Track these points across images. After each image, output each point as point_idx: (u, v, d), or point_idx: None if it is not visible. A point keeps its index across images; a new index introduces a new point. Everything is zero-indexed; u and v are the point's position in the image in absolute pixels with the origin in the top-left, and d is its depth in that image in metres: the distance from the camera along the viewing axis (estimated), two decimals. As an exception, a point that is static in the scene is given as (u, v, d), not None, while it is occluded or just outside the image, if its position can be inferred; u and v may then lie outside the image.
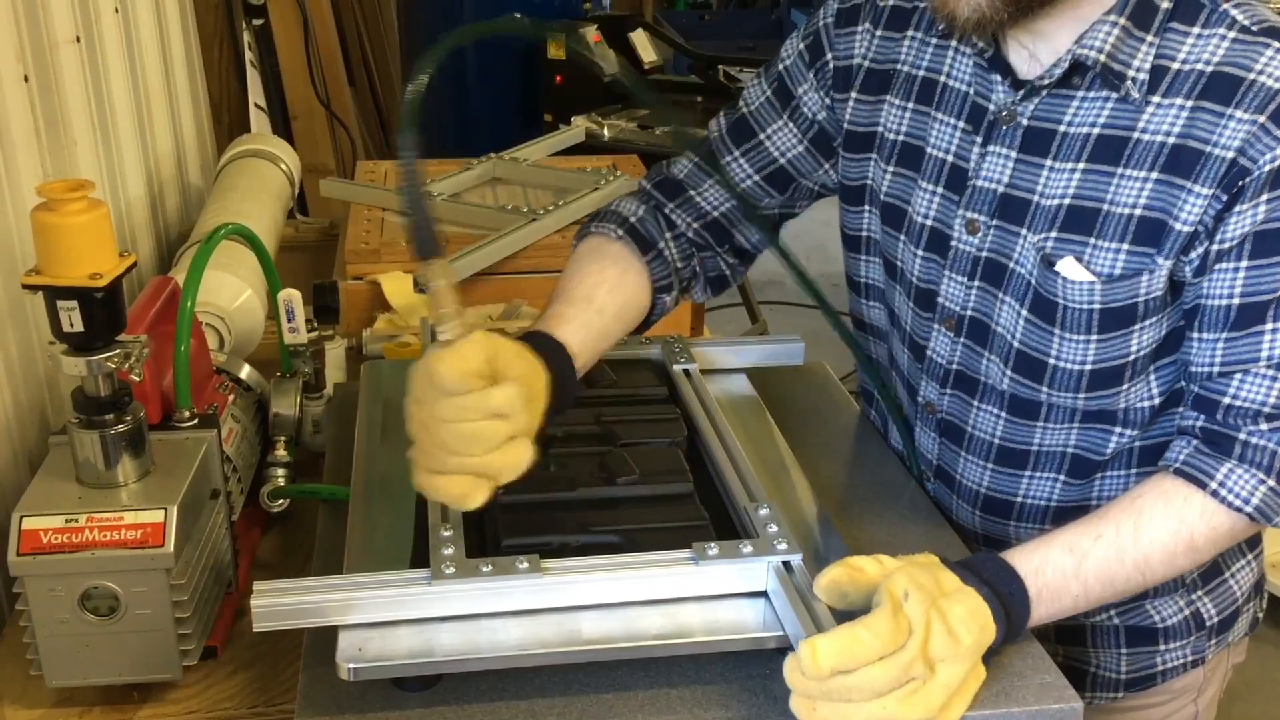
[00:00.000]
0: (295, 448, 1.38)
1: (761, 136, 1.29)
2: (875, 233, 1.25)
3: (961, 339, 1.18)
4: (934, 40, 1.17)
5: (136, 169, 2.05)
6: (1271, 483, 1.02)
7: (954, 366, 1.20)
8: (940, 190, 1.16)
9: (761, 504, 1.06)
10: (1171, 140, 1.03)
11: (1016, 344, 1.13)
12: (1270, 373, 1.01)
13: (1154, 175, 1.03)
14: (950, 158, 1.15)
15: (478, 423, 0.93)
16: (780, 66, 1.29)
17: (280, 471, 1.34)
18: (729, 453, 1.15)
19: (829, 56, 1.25)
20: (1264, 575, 1.32)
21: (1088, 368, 1.10)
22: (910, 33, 1.20)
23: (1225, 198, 1.01)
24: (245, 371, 1.38)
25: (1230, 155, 1.00)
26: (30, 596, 1.03)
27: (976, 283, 1.15)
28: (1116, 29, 1.04)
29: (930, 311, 1.20)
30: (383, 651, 0.92)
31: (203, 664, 1.13)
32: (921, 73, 1.18)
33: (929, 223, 1.18)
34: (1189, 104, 1.02)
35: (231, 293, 1.61)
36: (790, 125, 1.28)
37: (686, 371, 1.32)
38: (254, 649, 1.16)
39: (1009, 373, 1.15)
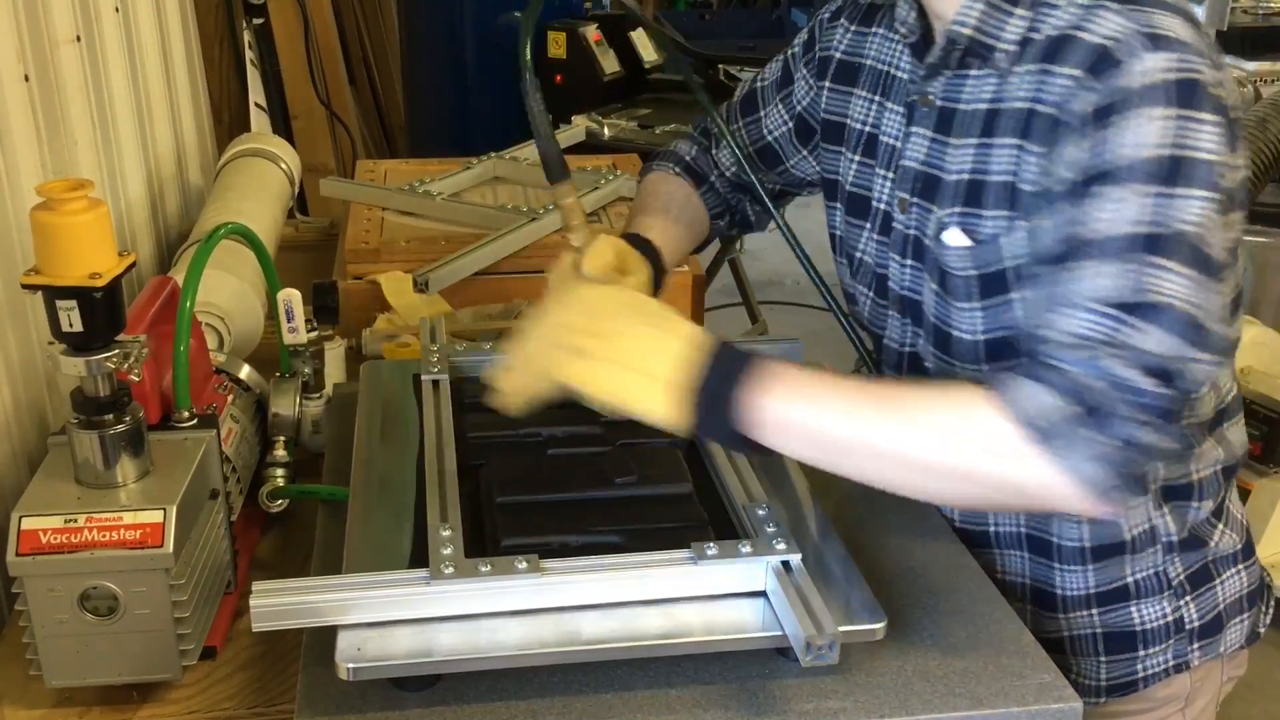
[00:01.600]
0: (294, 448, 1.38)
1: (760, 113, 1.41)
2: (839, 228, 1.30)
3: (906, 320, 1.23)
4: (894, 36, 1.22)
5: (136, 169, 2.05)
6: (1061, 404, 0.93)
7: (905, 349, 1.24)
8: (886, 173, 1.22)
9: (760, 504, 1.06)
10: (1025, 105, 1.06)
11: (933, 319, 1.17)
12: (1086, 305, 0.96)
13: (1015, 140, 1.07)
14: (894, 141, 1.21)
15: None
16: (789, 51, 1.39)
17: (279, 472, 1.34)
18: (728, 453, 1.15)
19: (817, 47, 1.33)
20: (1266, 586, 1.30)
21: (980, 337, 1.13)
22: (874, 29, 1.26)
23: (1049, 152, 1.02)
24: (245, 371, 1.38)
25: (1055, 112, 1.02)
26: (29, 597, 1.03)
27: (909, 261, 1.20)
28: (981, 4, 1.08)
29: (885, 298, 1.25)
30: (382, 651, 0.93)
31: (202, 664, 1.13)
32: (881, 66, 1.24)
33: (881, 206, 1.24)
34: (1035, 69, 1.05)
35: (231, 293, 1.61)
36: (781, 107, 1.39)
37: (686, 371, 1.32)
38: (253, 649, 1.16)
39: (933, 349, 1.19)
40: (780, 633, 0.95)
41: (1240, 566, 1.26)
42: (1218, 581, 1.23)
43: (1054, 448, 0.93)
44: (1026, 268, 1.06)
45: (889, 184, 1.21)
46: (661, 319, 1.01)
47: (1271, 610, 1.32)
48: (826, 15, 1.33)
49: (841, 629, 0.93)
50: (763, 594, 0.99)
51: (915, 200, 1.17)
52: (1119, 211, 0.95)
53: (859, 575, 1.03)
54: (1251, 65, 3.44)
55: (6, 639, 1.16)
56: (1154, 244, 0.94)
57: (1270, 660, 2.65)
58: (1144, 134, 0.95)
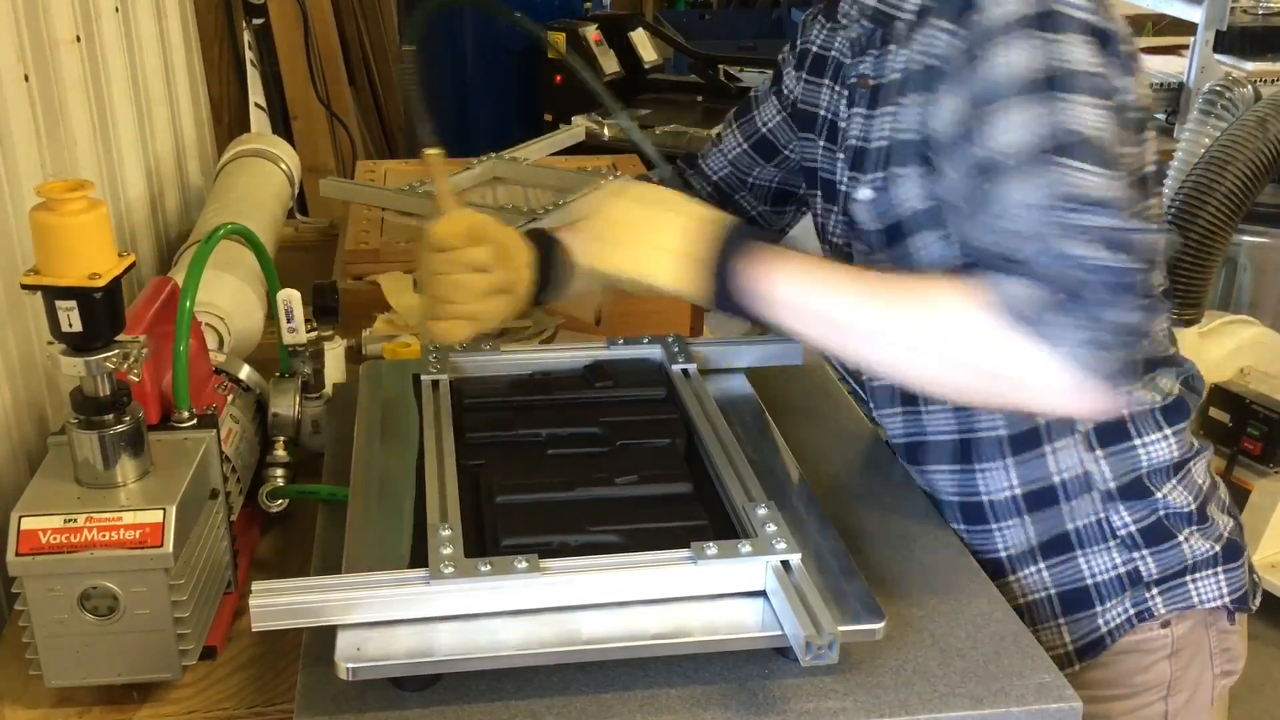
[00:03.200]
0: (294, 448, 1.38)
1: (754, 112, 1.46)
2: (820, 214, 1.34)
3: None
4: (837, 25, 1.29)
5: (136, 169, 2.05)
6: (1039, 293, 0.94)
7: None
8: (841, 155, 1.27)
9: (760, 504, 1.06)
10: (921, 64, 1.10)
11: None
12: (1023, 210, 0.97)
13: (919, 97, 1.10)
14: (842, 124, 1.26)
15: (462, 275, 1.14)
16: (780, 55, 1.45)
17: (279, 471, 1.34)
18: (727, 453, 1.15)
19: (799, 41, 1.40)
20: (1236, 545, 1.24)
21: None
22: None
23: (935, 98, 1.07)
24: (244, 372, 1.38)
25: (939, 64, 1.07)
26: (29, 597, 1.03)
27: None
28: None
29: None
30: (381, 651, 0.93)
31: (202, 664, 1.13)
32: (833, 55, 1.29)
33: (842, 189, 1.27)
34: (924, 29, 1.10)
35: (231, 293, 1.61)
36: (774, 100, 1.44)
37: (685, 372, 1.32)
38: (253, 649, 1.16)
39: None
40: (780, 632, 0.95)
41: (1195, 527, 1.22)
42: (1182, 539, 1.20)
43: (1045, 334, 0.93)
44: (950, 212, 1.08)
45: (844, 165, 1.25)
46: (672, 201, 1.11)
47: (1260, 591, 1.27)
48: (811, 12, 1.39)
49: (841, 629, 0.93)
50: (762, 594, 0.99)
51: (853, 174, 1.22)
52: (1015, 129, 0.97)
53: (859, 575, 1.03)
54: (1251, 65, 3.44)
55: (6, 639, 1.16)
56: (1061, 150, 0.95)
57: (1270, 660, 2.65)
58: (1014, 59, 0.98)
